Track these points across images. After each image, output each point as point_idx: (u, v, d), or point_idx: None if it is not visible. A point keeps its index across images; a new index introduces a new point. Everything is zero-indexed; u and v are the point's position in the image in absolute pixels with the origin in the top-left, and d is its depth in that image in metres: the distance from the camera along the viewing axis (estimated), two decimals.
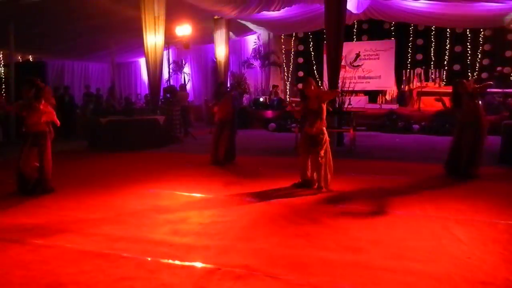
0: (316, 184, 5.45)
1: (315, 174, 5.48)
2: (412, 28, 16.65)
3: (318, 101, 5.38)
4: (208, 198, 5.15)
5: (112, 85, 14.58)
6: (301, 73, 18.24)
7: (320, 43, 17.35)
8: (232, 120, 7.54)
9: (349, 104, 11.07)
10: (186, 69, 18.22)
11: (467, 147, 6.00)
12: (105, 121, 9.71)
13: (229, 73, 16.14)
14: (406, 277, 2.90)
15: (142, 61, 18.50)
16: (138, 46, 12.19)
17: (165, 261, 3.22)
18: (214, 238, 3.72)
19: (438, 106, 12.82)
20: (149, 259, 3.26)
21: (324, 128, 5.45)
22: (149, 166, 7.42)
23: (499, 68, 14.57)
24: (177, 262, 3.20)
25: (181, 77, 17.81)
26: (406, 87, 15.89)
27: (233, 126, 7.57)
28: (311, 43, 18.11)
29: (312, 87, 5.48)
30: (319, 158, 5.36)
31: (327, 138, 5.46)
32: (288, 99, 16.66)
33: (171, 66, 15.79)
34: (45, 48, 14.17)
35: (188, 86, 17.51)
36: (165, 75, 14.94)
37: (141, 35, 10.55)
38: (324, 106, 5.43)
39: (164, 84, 13.85)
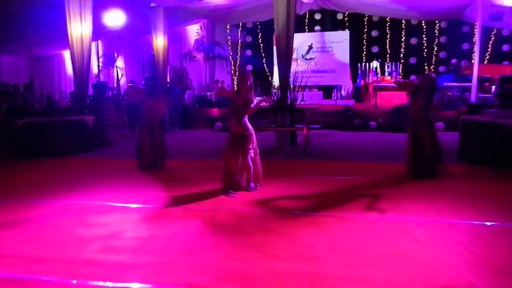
0: (247, 185, 5.60)
1: (244, 176, 5.60)
2: (366, 19, 17.27)
3: (244, 100, 5.46)
4: (145, 209, 5.01)
5: (30, 81, 13.89)
6: (249, 67, 18.35)
7: (269, 34, 17.54)
8: (161, 120, 7.53)
9: (302, 100, 11.24)
10: (119, 63, 17.74)
11: (429, 144, 6.25)
12: (21, 123, 9.22)
13: (168, 67, 15.89)
14: (366, 286, 2.95)
15: (66, 54, 17.75)
16: (61, 36, 11.69)
17: (95, 283, 3.08)
18: (153, 254, 3.61)
19: (395, 101, 13.50)
20: (74, 282, 3.10)
21: (250, 126, 5.54)
22: (75, 174, 7.16)
23: (454, 61, 15.45)
24: (109, 284, 3.07)
25: (113, 71, 17.32)
26: (362, 81, 16.45)
27: (162, 126, 7.57)
28: (260, 34, 18.27)
29: (248, 84, 5.49)
30: (248, 159, 5.46)
31: (254, 138, 5.58)
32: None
33: (101, 60, 15.30)
34: None
35: (122, 82, 17.05)
36: (94, 69, 14.45)
37: (64, 24, 10.12)
38: (251, 103, 5.49)
39: (93, 80, 13.39)
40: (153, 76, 8.14)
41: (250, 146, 5.50)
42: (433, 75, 6.69)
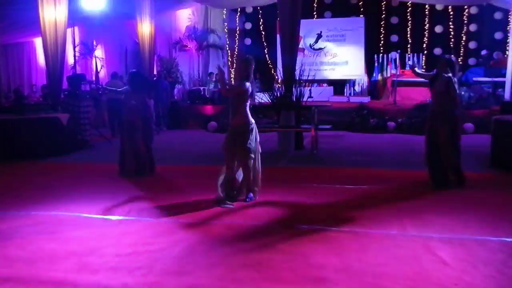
0: (245, 194, 5.60)
1: (242, 182, 5.64)
2: (384, 4, 17.30)
3: (238, 88, 5.53)
4: (127, 221, 5.01)
5: None
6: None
7: (272, 20, 17.56)
8: (147, 119, 7.47)
9: (310, 97, 11.25)
10: (99, 52, 17.75)
11: (445, 146, 6.16)
12: None
13: (155, 58, 15.91)
14: None
15: (38, 42, 17.75)
16: (32, 22, 11.70)
17: None
18: (136, 273, 3.60)
19: (417, 98, 13.49)
20: None
21: (251, 118, 5.56)
22: (46, 180, 7.15)
23: (484, 52, 15.39)
24: None
25: (92, 62, 17.33)
26: (379, 75, 16.46)
27: (148, 126, 7.51)
28: (261, 20, 18.29)
29: (250, 69, 5.57)
30: (248, 159, 5.46)
31: (256, 134, 5.58)
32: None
33: (77, 49, 15.31)
34: None
35: (102, 74, 17.08)
36: (70, 60, 14.46)
37: (35, 7, 10.14)
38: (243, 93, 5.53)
39: (68, 72, 13.39)
40: (138, 73, 8.06)
41: (250, 143, 5.47)
42: (453, 57, 6.45)
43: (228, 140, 5.60)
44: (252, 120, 5.59)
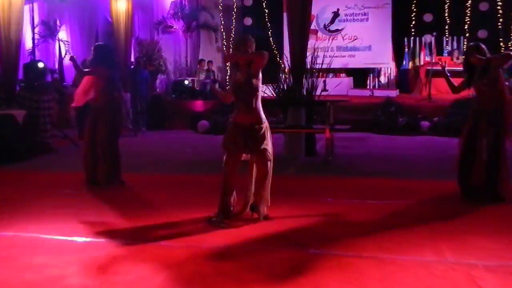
0: (257, 211, 5.59)
1: (252, 190, 5.62)
2: None
3: (249, 71, 5.44)
4: (95, 245, 5.01)
5: None
6: None
7: None
8: (110, 110, 7.47)
9: (324, 90, 11.26)
10: (63, 35, 17.79)
11: (486, 152, 6.20)
12: None
13: (133, 41, 15.94)
14: None
15: None
16: None
17: None
18: None
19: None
20: None
21: (264, 116, 5.55)
22: None
23: None
24: None
25: (55, 47, 17.36)
26: (410, 63, 16.45)
27: (113, 120, 7.53)
28: None
29: (250, 51, 5.52)
30: (266, 165, 5.46)
31: (269, 135, 5.58)
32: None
33: (36, 30, 15.35)
34: None
35: (67, 61, 17.12)
36: (28, 43, 14.48)
37: None
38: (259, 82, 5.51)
39: (25, 58, 13.41)
40: (106, 46, 8.12)
41: (266, 146, 5.46)
42: (477, 45, 6.48)
43: (235, 139, 5.54)
44: (265, 118, 5.59)
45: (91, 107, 7.56)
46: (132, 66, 14.66)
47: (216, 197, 5.68)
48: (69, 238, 5.17)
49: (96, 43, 8.04)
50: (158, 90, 16.52)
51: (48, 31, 17.29)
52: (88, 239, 5.15)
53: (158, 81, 16.78)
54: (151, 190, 7.32)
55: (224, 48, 18.59)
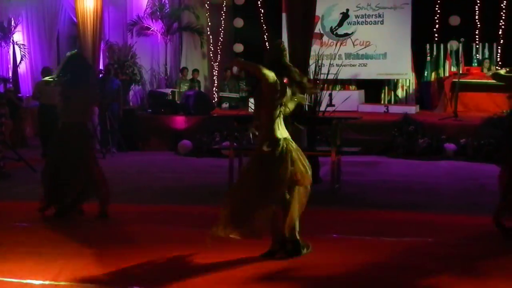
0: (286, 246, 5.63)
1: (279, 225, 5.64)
2: None
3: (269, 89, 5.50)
4: None
5: None
6: (240, 46, 18.45)
7: None
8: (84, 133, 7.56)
9: (330, 105, 11.29)
10: (18, 37, 17.84)
11: None
12: None
13: (102, 46, 15.99)
14: None
15: None
16: None
17: None
18: None
19: (489, 108, 13.47)
20: None
21: (278, 134, 5.55)
22: None
23: None
24: None
25: (8, 51, 17.40)
26: (433, 75, 16.50)
27: (87, 136, 7.63)
28: None
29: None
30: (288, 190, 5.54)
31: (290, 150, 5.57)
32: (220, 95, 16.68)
33: None
34: None
35: (22, 68, 17.18)
36: None
37: None
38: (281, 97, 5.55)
39: None
40: (80, 54, 8.20)
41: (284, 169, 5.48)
42: None
43: (255, 169, 5.65)
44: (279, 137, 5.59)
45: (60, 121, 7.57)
46: (100, 75, 14.62)
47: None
48: (24, 281, 5.15)
49: (68, 54, 7.99)
50: (131, 103, 16.51)
51: (1, 33, 17.34)
52: (46, 282, 5.13)
53: (131, 93, 16.76)
54: (123, 223, 7.31)
55: (211, 54, 18.62)
